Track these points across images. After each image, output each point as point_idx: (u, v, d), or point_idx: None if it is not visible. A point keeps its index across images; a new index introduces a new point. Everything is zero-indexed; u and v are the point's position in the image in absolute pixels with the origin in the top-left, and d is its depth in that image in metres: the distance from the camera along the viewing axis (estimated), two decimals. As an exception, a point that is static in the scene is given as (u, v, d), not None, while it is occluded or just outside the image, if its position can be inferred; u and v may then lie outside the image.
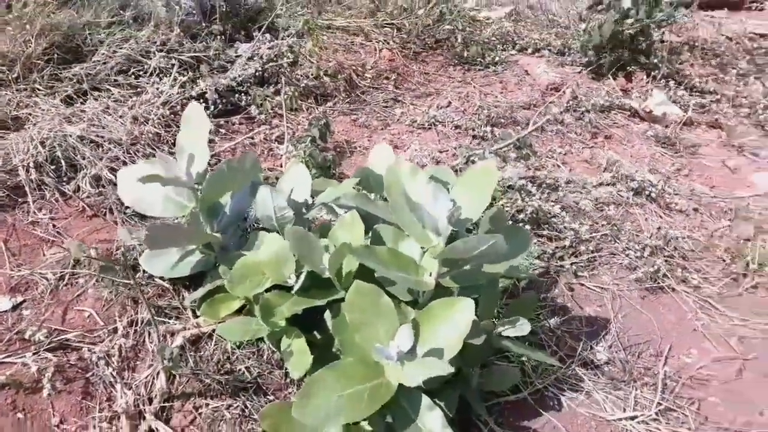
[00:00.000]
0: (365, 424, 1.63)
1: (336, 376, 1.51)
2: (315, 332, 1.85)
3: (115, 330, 1.86)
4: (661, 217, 2.77)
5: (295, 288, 1.76)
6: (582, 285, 2.38)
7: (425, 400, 1.59)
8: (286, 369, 1.86)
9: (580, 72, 3.90)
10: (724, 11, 5.19)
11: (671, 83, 3.74)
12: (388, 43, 3.84)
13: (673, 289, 2.39)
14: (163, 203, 1.88)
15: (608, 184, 2.89)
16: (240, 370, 1.83)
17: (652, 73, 3.77)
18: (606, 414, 1.93)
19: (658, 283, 2.41)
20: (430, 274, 1.69)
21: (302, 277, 1.76)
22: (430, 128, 3.17)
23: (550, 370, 2.03)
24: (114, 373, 1.74)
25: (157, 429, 1.63)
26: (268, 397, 1.80)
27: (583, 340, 2.14)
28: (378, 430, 1.61)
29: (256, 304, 1.77)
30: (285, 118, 2.86)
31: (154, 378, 1.75)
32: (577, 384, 2.01)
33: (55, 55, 2.74)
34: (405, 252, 1.74)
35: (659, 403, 1.95)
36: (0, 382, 1.62)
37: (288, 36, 3.20)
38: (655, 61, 3.76)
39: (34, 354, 1.72)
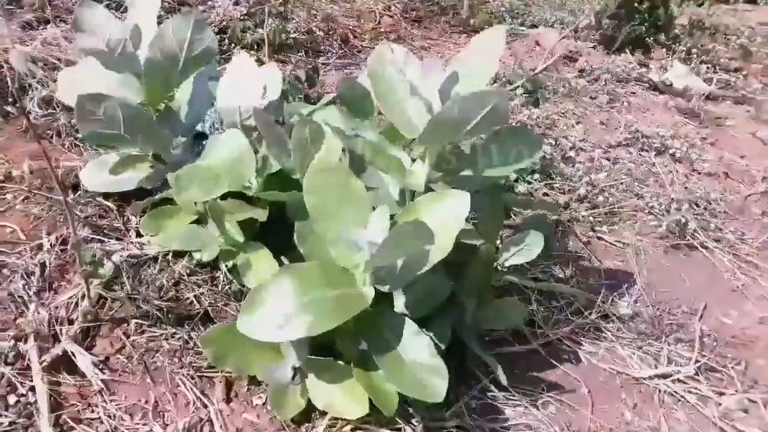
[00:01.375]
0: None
1: (294, 281, 1.18)
2: (282, 257, 1.53)
3: (41, 246, 1.54)
4: (687, 177, 2.45)
5: (256, 190, 1.44)
6: (600, 239, 2.06)
7: (409, 324, 1.27)
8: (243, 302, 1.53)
9: (594, 47, 3.63)
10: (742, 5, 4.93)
11: (693, 58, 3.46)
12: (389, 10, 3.58)
13: (706, 247, 2.06)
14: (106, 98, 1.58)
15: (627, 144, 2.59)
16: (187, 298, 1.51)
17: (673, 46, 3.49)
18: (633, 371, 1.59)
19: (688, 240, 2.08)
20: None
21: (263, 179, 1.45)
22: (430, 85, 2.88)
23: (564, 322, 1.70)
24: (30, 292, 1.42)
25: (73, 353, 1.30)
26: (218, 329, 1.47)
27: (602, 293, 1.80)
28: (350, 356, 1.28)
29: (209, 217, 1.46)
30: (268, 59, 2.57)
31: (78, 299, 1.42)
32: (597, 338, 1.68)
33: (17, -21, 2.48)
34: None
35: (697, 361, 1.61)
36: None
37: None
38: (676, 32, 3.48)
39: (-71, 263, 1.40)
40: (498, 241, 1.61)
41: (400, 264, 1.21)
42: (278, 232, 1.50)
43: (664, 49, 3.55)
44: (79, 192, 1.72)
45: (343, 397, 1.25)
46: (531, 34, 3.68)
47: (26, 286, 1.42)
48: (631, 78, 3.30)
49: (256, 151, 1.46)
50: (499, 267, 1.54)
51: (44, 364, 1.26)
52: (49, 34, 2.31)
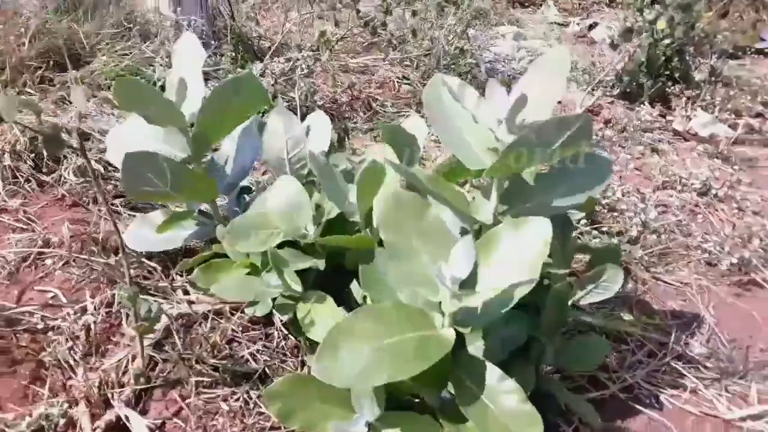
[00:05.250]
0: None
1: (370, 324, 1.09)
2: (341, 308, 1.45)
3: (84, 309, 1.46)
4: (733, 216, 2.38)
5: (313, 239, 1.38)
6: (657, 279, 1.97)
7: (492, 369, 1.17)
8: (302, 357, 1.44)
9: (612, 102, 3.65)
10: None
11: (716, 106, 3.47)
12: (407, 78, 3.64)
13: (770, 283, 1.97)
14: (151, 154, 1.53)
15: (666, 188, 2.54)
16: (243, 356, 1.41)
17: (692, 97, 3.51)
18: (723, 413, 1.46)
19: (750, 276, 1.99)
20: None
21: (321, 226, 1.39)
22: (458, 143, 2.87)
23: (638, 365, 1.59)
24: (76, 356, 1.33)
25: (127, 418, 1.20)
26: (277, 388, 1.36)
27: (672, 334, 1.70)
28: (432, 405, 1.18)
29: (263, 269, 1.40)
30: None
31: (129, 361, 1.34)
32: (676, 380, 1.56)
33: (51, 61, 2.52)
34: (452, 190, 1.37)
35: (791, 398, 1.48)
36: None
37: (302, 50, 3.00)
38: (697, 79, 3.51)
39: (-30, 332, 1.32)
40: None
41: (482, 302, 1.13)
42: (333, 281, 1.43)
43: (684, 100, 3.57)
44: (120, 255, 1.66)
45: (427, 452, 1.14)
46: (548, 93, 3.72)
47: (72, 351, 1.34)
48: (656, 128, 3.31)
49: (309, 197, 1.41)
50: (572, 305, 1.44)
51: (98, 430, 1.16)
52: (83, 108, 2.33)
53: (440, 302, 1.11)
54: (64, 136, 2.13)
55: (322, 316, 1.31)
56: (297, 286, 1.36)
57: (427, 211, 1.17)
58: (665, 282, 1.96)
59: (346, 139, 2.51)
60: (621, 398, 1.48)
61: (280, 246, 1.41)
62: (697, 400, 1.50)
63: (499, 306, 1.12)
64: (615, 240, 2.07)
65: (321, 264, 1.36)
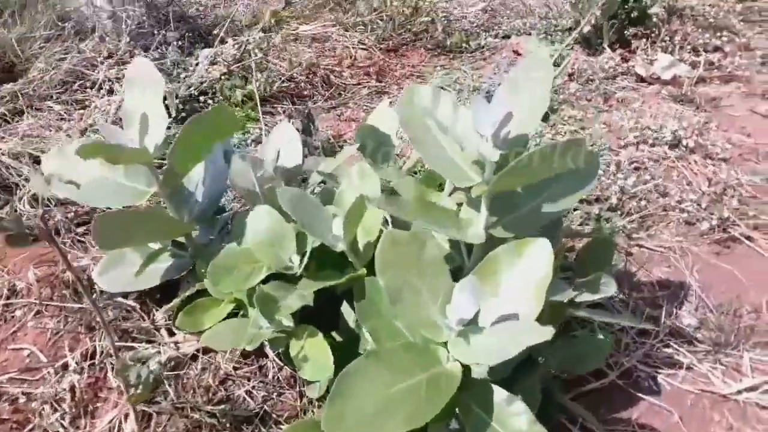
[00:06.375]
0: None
1: (377, 368, 1.06)
2: (332, 334, 1.41)
3: (65, 366, 1.40)
4: (705, 166, 2.39)
5: (299, 270, 1.32)
6: (640, 246, 1.97)
7: (498, 391, 1.15)
8: (300, 389, 1.41)
9: (572, 48, 3.59)
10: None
11: (675, 45, 3.43)
12: (363, 43, 3.50)
13: (748, 237, 1.99)
14: (113, 192, 1.43)
15: (638, 143, 2.52)
16: (239, 396, 1.37)
17: (652, 36, 3.47)
18: (718, 387, 1.49)
19: (728, 233, 2.00)
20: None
21: (306, 256, 1.33)
22: (424, 114, 2.80)
23: (635, 345, 1.60)
24: (65, 422, 1.27)
25: (130, 486, 1.16)
26: (280, 426, 1.33)
27: (662, 306, 1.71)
28: (441, 440, 1.16)
29: (251, 306, 1.34)
30: (260, 112, 2.46)
31: (121, 421, 1.28)
32: (671, 358, 1.58)
33: (-18, 75, 2.34)
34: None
35: (785, 365, 1.52)
36: None
37: (253, 32, 2.85)
38: (654, 19, 3.47)
39: (-50, 409, 1.24)
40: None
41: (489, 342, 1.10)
42: (323, 305, 1.38)
43: (643, 41, 3.53)
44: (94, 295, 1.58)
45: (442, 485, 1.13)
46: (508, 44, 3.64)
47: (61, 417, 1.28)
48: (618, 74, 3.27)
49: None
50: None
51: (102, 506, 1.12)
52: (27, 126, 2.18)
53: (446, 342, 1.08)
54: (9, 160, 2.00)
55: (314, 352, 1.27)
56: (288, 322, 1.31)
57: (423, 248, 1.12)
58: (648, 248, 1.96)
59: (312, 126, 2.41)
60: (621, 386, 1.49)
61: (265, 280, 1.35)
62: (693, 377, 1.52)
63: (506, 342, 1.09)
64: (595, 209, 2.06)
65: (310, 299, 1.30)
